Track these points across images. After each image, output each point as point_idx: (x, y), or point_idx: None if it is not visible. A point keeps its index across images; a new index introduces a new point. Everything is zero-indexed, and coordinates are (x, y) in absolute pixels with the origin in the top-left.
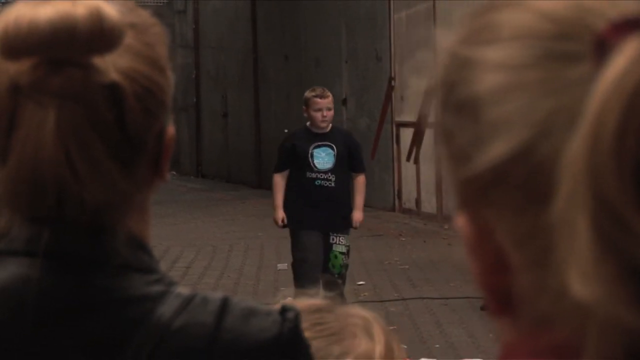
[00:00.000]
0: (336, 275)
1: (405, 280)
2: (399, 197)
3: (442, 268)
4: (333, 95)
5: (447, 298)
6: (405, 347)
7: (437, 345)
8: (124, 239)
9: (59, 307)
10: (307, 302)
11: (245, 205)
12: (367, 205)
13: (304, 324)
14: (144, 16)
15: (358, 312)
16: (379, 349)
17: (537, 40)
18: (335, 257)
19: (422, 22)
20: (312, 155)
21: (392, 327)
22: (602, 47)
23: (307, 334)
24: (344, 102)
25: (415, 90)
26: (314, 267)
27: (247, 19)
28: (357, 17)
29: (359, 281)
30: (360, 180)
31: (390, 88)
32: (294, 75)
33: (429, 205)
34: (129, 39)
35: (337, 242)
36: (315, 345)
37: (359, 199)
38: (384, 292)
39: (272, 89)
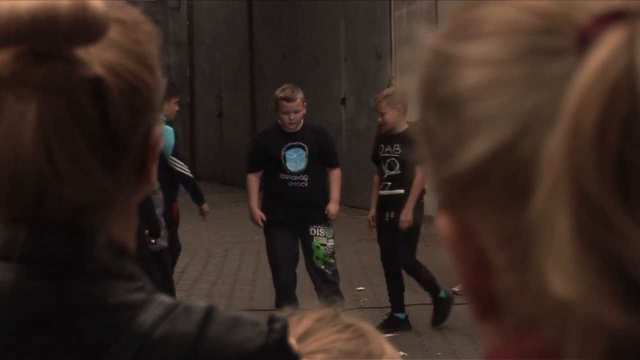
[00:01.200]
0: (322, 267)
1: (406, 286)
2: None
3: (444, 273)
4: (332, 94)
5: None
6: (407, 354)
7: (439, 353)
8: (105, 243)
9: (35, 314)
10: (323, 311)
11: (242, 208)
12: (366, 207)
13: (334, 328)
14: (134, 14)
15: (366, 324)
16: (397, 354)
17: (520, 35)
18: (318, 247)
19: (423, 19)
20: (284, 158)
21: (393, 334)
22: (585, 41)
23: (344, 336)
24: (343, 101)
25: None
26: (289, 269)
27: (243, 15)
28: (356, 13)
29: (359, 287)
30: (335, 174)
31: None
32: (291, 74)
33: (431, 207)
34: (116, 34)
35: (317, 234)
36: (356, 344)
37: (335, 191)
38: (385, 298)
39: (269, 87)
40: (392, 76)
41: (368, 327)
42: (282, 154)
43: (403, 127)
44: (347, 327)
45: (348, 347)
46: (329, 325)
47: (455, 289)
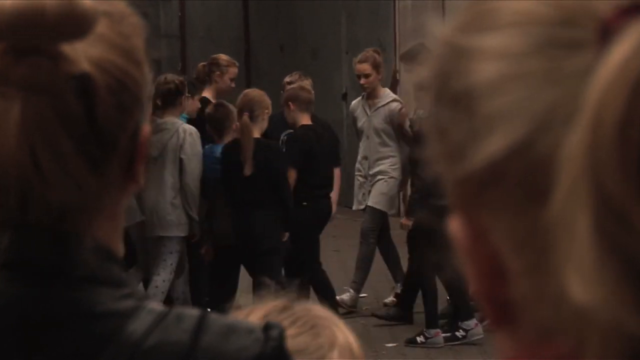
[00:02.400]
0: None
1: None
2: (405, 201)
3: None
4: (332, 89)
5: None
6: None
7: None
8: (91, 248)
9: (18, 322)
10: (273, 302)
11: None
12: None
13: (283, 323)
14: (120, 5)
15: (314, 305)
16: (352, 339)
17: (538, 27)
18: None
19: (429, 11)
20: (282, 142)
21: (396, 344)
22: (607, 33)
23: (290, 332)
24: (344, 96)
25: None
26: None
27: (238, 6)
28: (358, 4)
29: (361, 293)
30: (335, 174)
31: (395, 81)
32: (289, 68)
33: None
34: (102, 27)
35: None
36: (303, 340)
37: (334, 191)
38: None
39: (266, 82)
40: (396, 70)
41: (321, 315)
42: (282, 138)
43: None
44: (296, 320)
45: (294, 345)
46: (278, 319)
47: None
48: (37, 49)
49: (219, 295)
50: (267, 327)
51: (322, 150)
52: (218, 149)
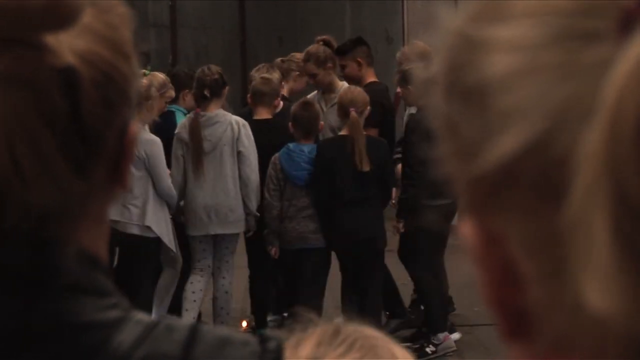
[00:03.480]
0: None
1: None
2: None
3: (465, 290)
4: None
5: (471, 325)
6: None
7: None
8: (75, 255)
9: None
10: (320, 329)
11: None
12: None
13: (340, 349)
14: None
15: (361, 326)
16: (408, 355)
17: (555, 17)
18: None
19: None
20: None
21: None
22: (628, 24)
23: (353, 355)
24: None
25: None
26: None
27: None
28: None
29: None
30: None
31: None
32: None
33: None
34: (88, 18)
35: None
36: None
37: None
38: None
39: None
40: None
41: (374, 335)
42: None
43: None
44: (353, 344)
45: None
46: (333, 347)
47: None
48: (19, 40)
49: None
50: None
51: None
52: (305, 148)
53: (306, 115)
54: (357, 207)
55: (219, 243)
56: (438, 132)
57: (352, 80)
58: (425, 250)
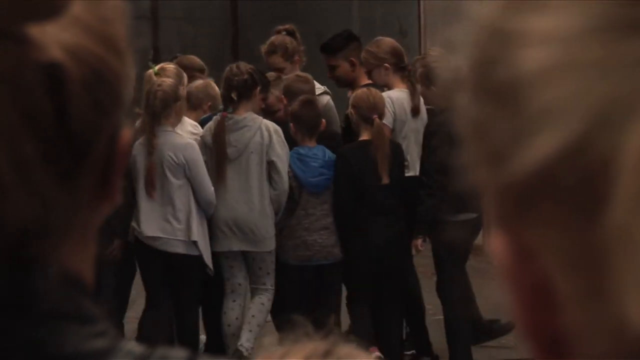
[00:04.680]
0: None
1: (440, 335)
2: None
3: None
4: None
5: None
6: None
7: None
8: (57, 277)
9: None
10: (312, 344)
11: None
12: None
13: None
14: None
15: (357, 350)
16: None
17: (596, 6)
18: None
19: None
20: None
21: None
22: None
23: None
24: None
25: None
26: None
27: None
28: None
29: None
30: None
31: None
32: None
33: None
34: (77, 8)
35: None
36: None
37: None
38: None
39: None
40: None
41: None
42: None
43: None
44: None
45: None
46: None
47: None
48: (0, 32)
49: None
50: None
51: None
52: (318, 152)
53: (309, 113)
54: (381, 218)
55: (249, 263)
56: (464, 136)
57: (344, 83)
58: (446, 270)
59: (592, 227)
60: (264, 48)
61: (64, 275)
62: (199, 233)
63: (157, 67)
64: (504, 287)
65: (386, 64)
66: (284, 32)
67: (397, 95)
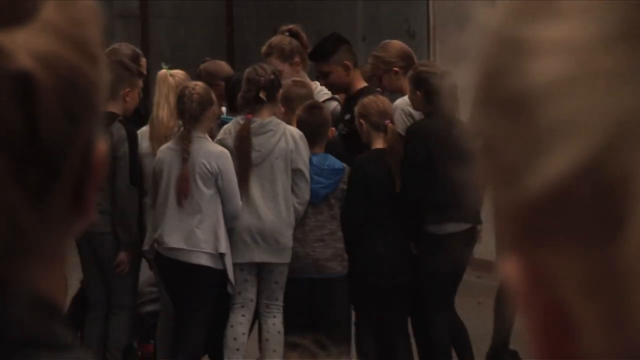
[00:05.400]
0: None
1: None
2: None
3: (485, 344)
4: None
5: None
6: None
7: None
8: (30, 301)
9: None
10: None
11: None
12: None
13: None
14: None
15: None
16: None
17: (613, 13)
18: None
19: None
20: None
21: None
22: None
23: None
24: None
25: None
26: None
27: None
28: None
29: None
30: None
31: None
32: None
33: (485, 247)
34: (48, 12)
35: None
36: None
37: None
38: None
39: None
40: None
41: None
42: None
43: None
44: None
45: None
46: None
47: None
48: None
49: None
50: None
51: None
52: (314, 159)
53: (313, 120)
54: (390, 232)
55: (265, 276)
56: (472, 151)
57: (338, 88)
58: (433, 291)
59: (610, 249)
60: (263, 49)
61: (36, 300)
62: (227, 246)
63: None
64: (519, 310)
65: (395, 68)
66: (286, 33)
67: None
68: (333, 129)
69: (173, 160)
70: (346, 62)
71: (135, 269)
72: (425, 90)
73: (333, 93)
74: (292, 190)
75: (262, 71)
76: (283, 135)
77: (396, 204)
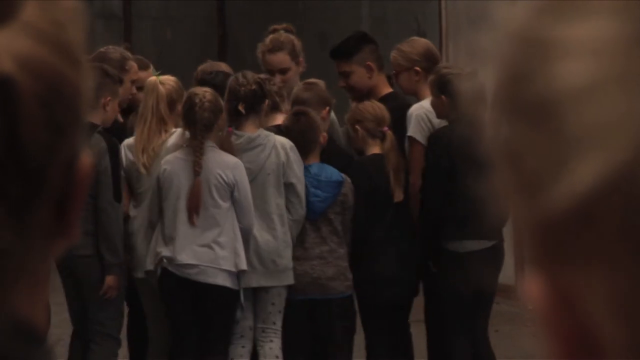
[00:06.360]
0: None
1: None
2: None
3: None
4: None
5: None
6: None
7: None
8: (8, 327)
9: None
10: None
11: None
12: None
13: None
14: None
15: None
16: None
17: None
18: None
19: None
20: None
21: None
22: None
23: None
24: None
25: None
26: None
27: None
28: None
29: None
30: None
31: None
32: None
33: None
34: (29, 13)
35: None
36: None
37: None
38: None
39: None
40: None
41: None
42: None
43: None
44: None
45: None
46: None
47: None
48: None
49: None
50: None
51: None
52: (311, 169)
53: (299, 127)
54: (390, 246)
55: (261, 297)
56: (493, 160)
57: (359, 92)
58: (452, 313)
59: None
60: (262, 46)
61: (14, 323)
62: (246, 263)
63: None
64: (541, 335)
65: (417, 67)
66: (282, 31)
67: (424, 107)
68: (324, 134)
69: (183, 171)
70: (369, 63)
71: (122, 294)
72: (451, 95)
73: (353, 97)
74: (285, 206)
75: (244, 80)
76: (273, 149)
77: (397, 214)
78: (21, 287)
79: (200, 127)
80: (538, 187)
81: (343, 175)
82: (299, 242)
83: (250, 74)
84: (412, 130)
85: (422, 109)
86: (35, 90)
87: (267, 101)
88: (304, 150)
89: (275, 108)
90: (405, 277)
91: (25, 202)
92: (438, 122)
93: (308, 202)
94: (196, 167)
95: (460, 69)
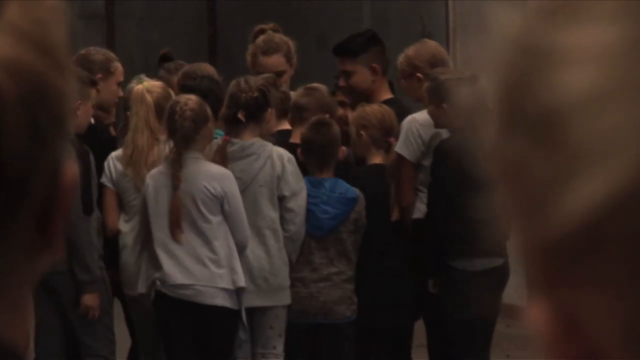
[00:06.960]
0: None
1: None
2: None
3: None
4: None
5: None
6: None
7: None
8: None
9: None
10: None
11: None
12: None
13: None
14: None
15: None
16: None
17: None
18: None
19: None
20: None
21: None
22: None
23: None
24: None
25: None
26: None
27: None
28: None
29: None
30: None
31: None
32: None
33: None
34: (11, 13)
35: None
36: None
37: None
38: None
39: None
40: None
41: None
42: None
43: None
44: None
45: None
46: None
47: None
48: None
49: None
50: None
51: None
52: (326, 184)
53: (320, 139)
54: (389, 261)
55: (258, 319)
56: (493, 176)
57: (360, 95)
58: (459, 339)
59: None
60: (254, 47)
61: None
62: (244, 279)
63: (141, 80)
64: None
65: (419, 74)
66: (270, 31)
67: (425, 118)
68: (344, 148)
69: (165, 187)
70: (375, 65)
71: (109, 312)
72: (452, 102)
73: (353, 99)
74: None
75: (246, 86)
76: (269, 159)
77: (396, 231)
78: (2, 305)
79: (179, 138)
80: (541, 205)
81: (358, 191)
82: (306, 262)
83: (252, 79)
84: (399, 146)
85: (414, 122)
86: (18, 93)
87: (270, 110)
88: (320, 164)
89: (284, 112)
90: (405, 301)
91: (5, 213)
92: (429, 137)
93: (317, 218)
94: (175, 180)
95: (460, 72)
